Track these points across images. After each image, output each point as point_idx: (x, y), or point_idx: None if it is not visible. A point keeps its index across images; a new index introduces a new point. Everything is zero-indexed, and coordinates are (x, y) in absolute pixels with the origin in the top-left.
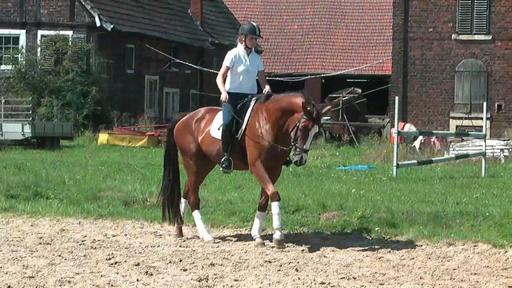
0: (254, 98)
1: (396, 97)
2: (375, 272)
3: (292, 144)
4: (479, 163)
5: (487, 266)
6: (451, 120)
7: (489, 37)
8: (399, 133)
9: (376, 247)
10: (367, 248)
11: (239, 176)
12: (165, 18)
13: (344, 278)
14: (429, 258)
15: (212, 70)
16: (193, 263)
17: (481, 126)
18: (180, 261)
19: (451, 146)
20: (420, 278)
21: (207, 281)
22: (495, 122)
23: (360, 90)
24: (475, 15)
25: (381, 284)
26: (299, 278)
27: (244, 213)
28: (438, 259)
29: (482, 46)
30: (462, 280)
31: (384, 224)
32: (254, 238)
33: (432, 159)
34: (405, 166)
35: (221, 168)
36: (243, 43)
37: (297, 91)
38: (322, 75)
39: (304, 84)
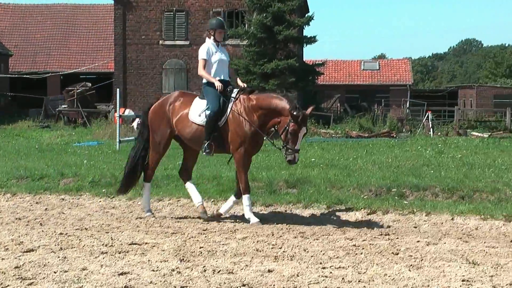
0: (237, 89)
1: (118, 89)
2: (102, 224)
3: (283, 145)
4: None
5: (187, 216)
6: None
7: (188, 42)
8: (120, 116)
9: (103, 204)
10: (97, 205)
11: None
12: None
13: (78, 229)
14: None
15: None
16: None
17: None
18: None
19: None
20: (137, 227)
21: None
22: None
23: (90, 84)
24: (176, 26)
25: (106, 232)
26: (43, 231)
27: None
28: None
29: (182, 49)
30: (168, 227)
31: (109, 186)
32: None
33: None
34: (126, 141)
35: (203, 153)
36: (212, 37)
37: (280, 93)
38: (61, 73)
39: (46, 80)
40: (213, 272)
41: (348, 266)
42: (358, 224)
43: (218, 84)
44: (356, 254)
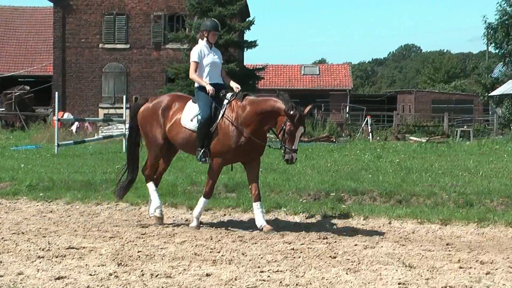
0: (230, 94)
1: (56, 92)
2: (40, 228)
3: (281, 146)
4: (121, 142)
5: (126, 220)
6: (100, 109)
7: (128, 46)
8: (59, 120)
9: (40, 208)
10: (34, 209)
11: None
12: None
13: (15, 233)
14: (82, 215)
15: None
16: None
17: (122, 114)
18: None
19: (100, 129)
20: (75, 231)
21: None
22: None
23: (28, 87)
24: (116, 29)
25: (43, 236)
26: None
27: None
28: (89, 215)
29: (122, 53)
30: (106, 231)
31: (47, 190)
32: (261, 228)
33: (85, 139)
34: (64, 145)
35: (200, 161)
36: (205, 39)
37: (274, 95)
38: None
39: None
40: (151, 276)
41: (286, 270)
42: (296, 228)
43: (209, 88)
44: (294, 257)
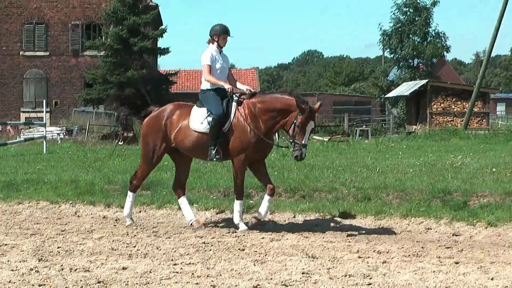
0: (237, 93)
1: None
2: None
3: (291, 141)
4: (42, 144)
5: (46, 217)
6: (21, 113)
7: (47, 53)
8: None
9: None
10: None
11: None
12: None
13: None
14: (4, 214)
15: None
16: None
17: (43, 117)
18: None
19: (22, 132)
20: None
21: None
22: (53, 114)
23: None
24: (36, 37)
25: None
26: None
27: None
28: (11, 214)
29: (42, 60)
30: (28, 228)
31: None
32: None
33: (7, 142)
34: None
35: (214, 159)
36: (215, 43)
37: (284, 92)
38: None
39: None
40: (70, 271)
41: (198, 262)
42: (207, 223)
43: (228, 86)
44: (206, 251)
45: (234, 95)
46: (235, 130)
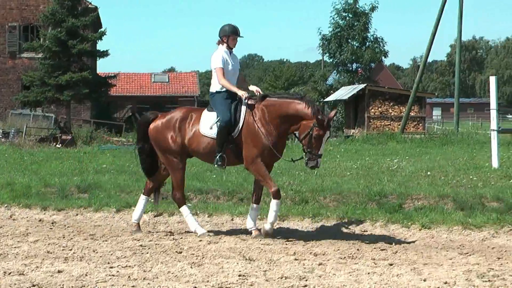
0: (246, 96)
1: None
2: None
3: (306, 151)
4: None
5: None
6: None
7: None
8: None
9: None
10: None
11: None
12: None
13: None
14: None
15: None
16: None
17: None
18: None
19: None
20: None
21: None
22: None
23: None
24: None
25: None
26: None
27: None
28: None
29: None
30: None
31: None
32: (250, 230)
33: None
34: None
35: (216, 165)
36: (225, 44)
37: (296, 96)
38: None
39: None
40: (4, 274)
41: (135, 265)
42: (145, 226)
43: (242, 93)
44: (143, 253)
45: (244, 99)
46: (247, 135)
